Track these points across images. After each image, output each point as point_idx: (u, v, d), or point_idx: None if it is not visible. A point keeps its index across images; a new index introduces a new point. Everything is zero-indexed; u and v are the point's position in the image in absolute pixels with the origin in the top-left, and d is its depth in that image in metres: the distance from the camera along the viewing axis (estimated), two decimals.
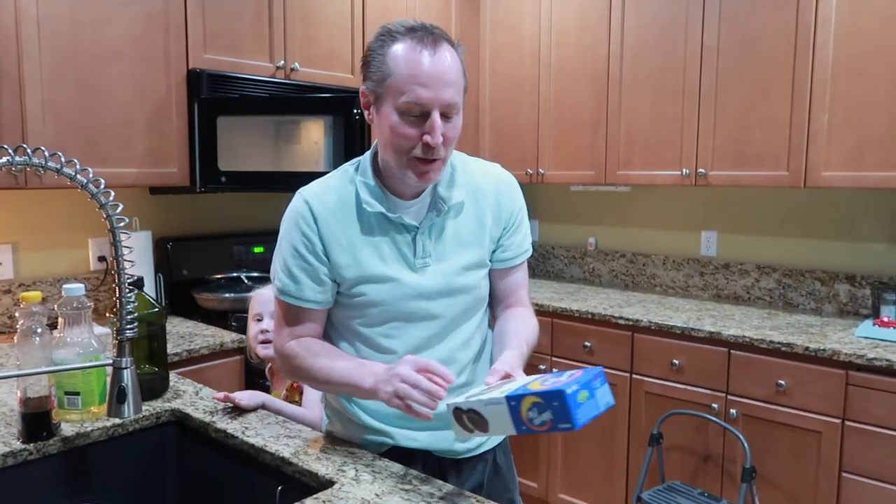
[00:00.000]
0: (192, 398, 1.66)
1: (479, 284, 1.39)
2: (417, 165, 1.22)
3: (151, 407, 1.59)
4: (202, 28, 2.42)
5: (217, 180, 2.43)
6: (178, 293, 2.67)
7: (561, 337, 2.90)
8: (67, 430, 1.44)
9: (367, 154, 1.35)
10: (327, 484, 1.23)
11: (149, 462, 1.57)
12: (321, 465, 1.29)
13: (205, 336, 2.31)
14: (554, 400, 0.96)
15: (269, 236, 3.04)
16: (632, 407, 2.71)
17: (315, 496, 1.17)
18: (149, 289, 2.52)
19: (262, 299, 1.92)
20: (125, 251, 1.28)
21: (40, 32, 2.06)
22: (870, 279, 2.68)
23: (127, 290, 1.32)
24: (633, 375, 2.70)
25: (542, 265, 3.76)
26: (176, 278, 2.67)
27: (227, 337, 2.31)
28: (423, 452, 1.37)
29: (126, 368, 1.27)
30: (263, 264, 2.81)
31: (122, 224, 1.31)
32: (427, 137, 1.18)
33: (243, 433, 1.44)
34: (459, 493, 1.18)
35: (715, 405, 2.47)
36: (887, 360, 2.09)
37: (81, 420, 1.49)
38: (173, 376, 1.84)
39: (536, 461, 3.02)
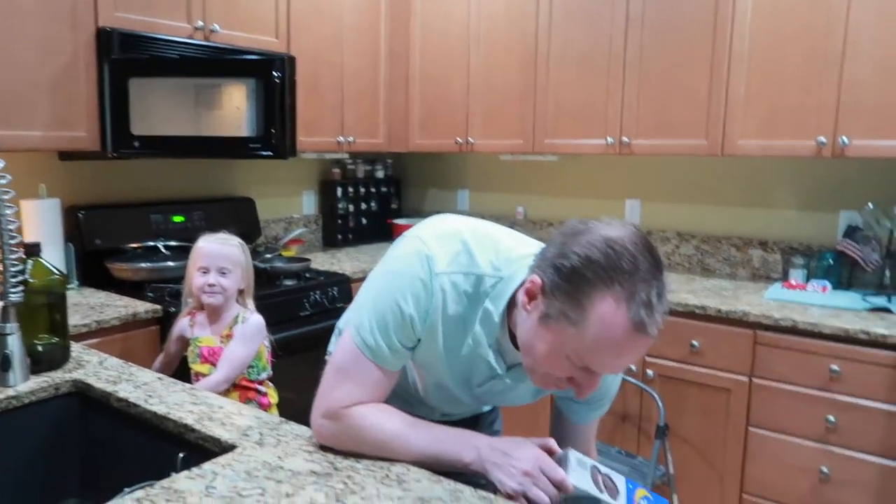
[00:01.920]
0: (96, 368, 1.60)
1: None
2: (543, 382, 1.06)
3: (51, 378, 1.53)
4: None
5: (129, 145, 2.33)
6: (91, 263, 2.57)
7: None
8: None
9: (515, 276, 1.08)
10: (229, 449, 1.22)
11: (49, 434, 1.51)
12: (224, 431, 1.27)
13: (117, 307, 2.23)
14: (659, 502, 1.10)
15: (190, 205, 2.99)
16: None
17: (214, 460, 1.15)
18: (57, 258, 2.41)
19: (209, 253, 1.99)
20: (7, 210, 1.21)
21: None
22: (780, 244, 2.80)
23: (11, 254, 1.25)
24: None
25: None
26: (88, 248, 2.56)
27: (142, 307, 2.24)
28: None
29: (10, 335, 1.21)
30: (183, 233, 2.73)
31: (3, 182, 1.23)
32: (579, 391, 1.02)
33: (146, 401, 1.40)
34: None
35: (633, 366, 2.55)
36: (792, 321, 2.19)
37: None
38: (78, 347, 1.78)
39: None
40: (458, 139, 3.31)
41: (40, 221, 2.35)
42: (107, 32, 2.26)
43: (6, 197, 1.19)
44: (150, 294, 2.40)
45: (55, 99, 2.21)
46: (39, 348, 1.56)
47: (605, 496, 1.05)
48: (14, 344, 1.21)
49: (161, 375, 1.56)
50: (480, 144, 3.25)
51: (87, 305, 2.25)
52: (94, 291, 2.46)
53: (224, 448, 1.23)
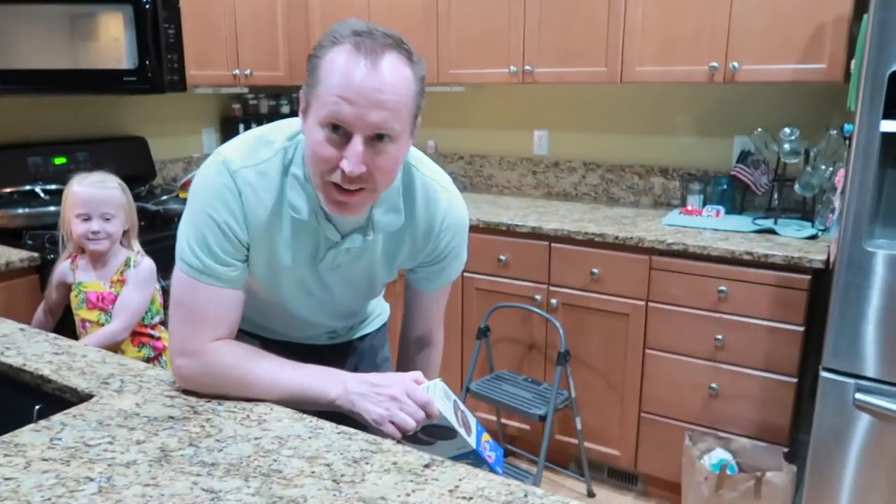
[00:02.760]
0: None
1: (380, 289, 1.34)
2: (332, 192, 1.01)
3: None
4: None
5: None
6: None
7: None
8: None
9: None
10: (87, 398, 1.16)
11: None
12: (83, 380, 1.20)
13: None
14: (497, 449, 1.14)
15: (72, 146, 2.79)
16: (464, 304, 2.79)
17: (67, 411, 1.09)
18: None
19: (89, 199, 1.87)
20: None
21: None
22: (680, 171, 2.85)
23: None
24: (465, 274, 2.75)
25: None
26: None
27: (16, 255, 2.09)
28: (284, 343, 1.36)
29: None
30: (64, 176, 2.52)
31: None
32: (343, 163, 0.96)
33: (3, 353, 1.32)
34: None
35: (538, 297, 2.58)
36: (683, 245, 2.25)
37: None
38: None
39: None
40: None
41: None
42: None
43: None
44: (29, 242, 2.25)
45: None
46: None
47: (461, 430, 1.07)
48: None
49: (24, 326, 1.47)
50: None
51: None
52: None
53: (82, 398, 1.17)
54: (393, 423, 1.03)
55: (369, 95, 0.95)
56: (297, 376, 1.10)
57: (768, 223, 2.41)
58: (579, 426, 2.50)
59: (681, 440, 2.34)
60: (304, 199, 1.09)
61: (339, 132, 0.97)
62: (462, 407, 1.12)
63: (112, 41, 2.50)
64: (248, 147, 1.10)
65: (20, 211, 2.34)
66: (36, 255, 2.12)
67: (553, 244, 2.53)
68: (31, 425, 1.04)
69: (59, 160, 2.64)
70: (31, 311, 2.07)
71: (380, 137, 0.98)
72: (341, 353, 1.43)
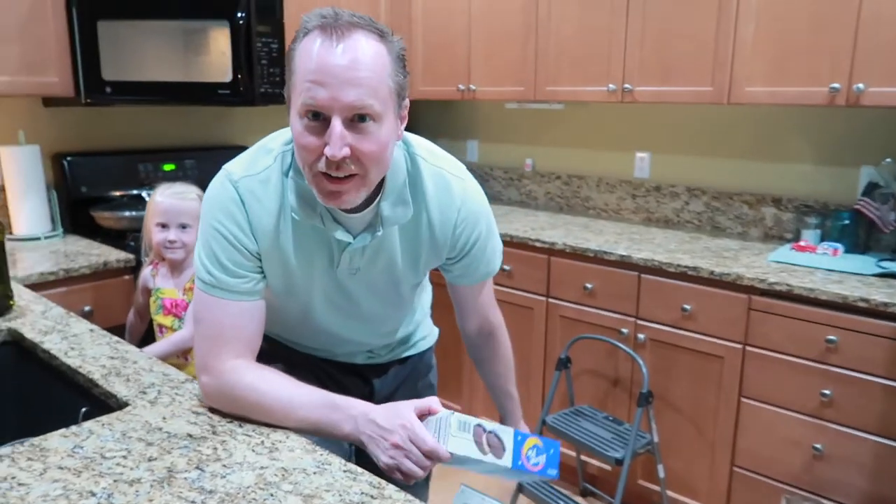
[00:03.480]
0: (36, 318, 1.59)
1: (409, 294, 1.27)
2: (323, 182, 0.98)
3: None
4: None
5: (101, 90, 2.29)
6: (78, 212, 2.57)
7: None
8: None
9: None
10: (123, 406, 1.18)
11: None
12: (125, 388, 1.22)
13: (89, 255, 2.23)
14: (550, 447, 1.06)
15: (181, 153, 2.95)
16: (548, 331, 2.66)
17: (99, 418, 1.11)
18: (39, 206, 2.42)
19: (168, 209, 1.95)
20: None
21: None
22: (795, 202, 2.58)
23: None
24: (549, 299, 2.63)
25: (480, 186, 3.63)
26: (74, 196, 2.56)
27: (114, 256, 2.22)
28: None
29: None
30: (167, 180, 2.70)
31: None
32: (326, 148, 0.94)
33: (66, 354, 1.38)
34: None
35: (625, 330, 2.42)
36: (788, 285, 2.02)
37: None
38: (31, 295, 1.77)
39: (459, 383, 3.01)
40: (461, 86, 3.15)
41: (19, 168, 2.35)
42: None
43: None
44: (131, 243, 2.39)
45: (23, 43, 2.18)
46: None
47: (487, 457, 1.00)
48: None
49: (94, 327, 1.54)
50: (482, 92, 3.09)
51: (62, 253, 2.26)
52: (78, 239, 2.47)
53: (120, 405, 1.19)
54: (401, 471, 0.96)
55: (340, 74, 0.92)
56: (310, 410, 1.05)
57: (893, 266, 2.11)
58: (662, 474, 2.30)
59: (776, 502, 2.09)
60: (306, 202, 1.06)
61: (319, 119, 0.95)
62: (490, 427, 1.03)
63: (220, 55, 2.62)
64: (249, 157, 1.10)
65: (125, 214, 2.50)
66: (132, 256, 2.24)
67: (643, 275, 2.36)
68: (62, 430, 1.07)
69: (168, 167, 2.80)
70: (123, 309, 2.19)
71: (361, 119, 0.95)
72: (380, 372, 1.38)
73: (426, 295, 1.43)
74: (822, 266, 2.17)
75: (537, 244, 2.61)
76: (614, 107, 3.03)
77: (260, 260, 1.11)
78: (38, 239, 2.41)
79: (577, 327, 2.56)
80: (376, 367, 1.37)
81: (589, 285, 2.49)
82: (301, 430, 1.06)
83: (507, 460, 1.02)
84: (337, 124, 0.93)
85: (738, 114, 2.69)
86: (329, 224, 1.08)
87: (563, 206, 3.31)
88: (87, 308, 2.13)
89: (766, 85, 2.25)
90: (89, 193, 2.59)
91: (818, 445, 2.03)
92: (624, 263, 2.40)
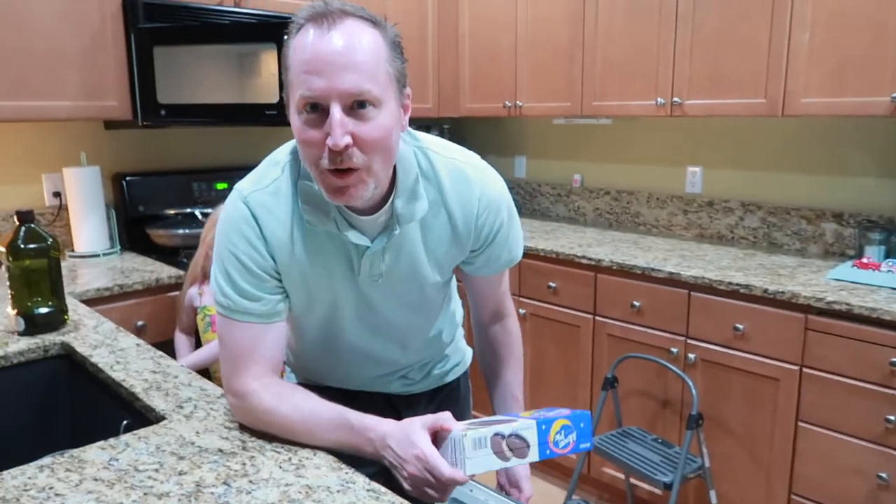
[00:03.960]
0: (87, 332, 1.65)
1: (431, 298, 1.22)
2: (329, 178, 0.95)
3: (43, 340, 1.59)
4: None
5: (156, 113, 2.38)
6: (135, 230, 2.67)
7: (527, 277, 2.80)
8: None
9: None
10: (160, 419, 1.20)
11: (41, 393, 1.58)
12: (163, 401, 1.25)
13: (143, 272, 2.31)
14: (580, 420, 1.01)
15: (233, 172, 3.03)
16: (594, 350, 2.61)
17: (135, 432, 1.14)
18: (99, 224, 2.52)
19: None
20: None
21: None
22: (857, 217, 2.46)
23: None
24: (596, 317, 2.58)
25: (528, 203, 3.62)
26: (132, 214, 2.66)
27: (165, 272, 2.30)
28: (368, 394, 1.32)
29: None
30: (224, 200, 2.78)
31: None
32: (328, 140, 0.91)
33: (112, 367, 1.42)
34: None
35: (674, 349, 2.34)
36: (847, 304, 1.92)
37: None
38: (85, 310, 1.84)
39: None
40: (507, 102, 3.15)
41: (81, 188, 2.46)
42: (132, 2, 2.30)
43: None
44: (184, 260, 2.46)
45: (84, 69, 2.28)
46: (35, 312, 1.63)
47: (510, 462, 0.96)
48: None
49: (140, 342, 1.58)
50: (529, 108, 3.08)
51: (118, 270, 2.34)
52: (134, 256, 2.56)
53: (157, 419, 1.22)
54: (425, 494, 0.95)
55: (334, 61, 0.90)
56: (329, 432, 1.04)
57: None
58: (714, 500, 2.21)
59: None
60: (318, 207, 1.04)
61: (318, 110, 0.92)
62: (509, 431, 0.96)
63: (269, 76, 2.69)
64: (258, 172, 1.10)
65: (179, 231, 2.58)
66: (183, 273, 2.31)
67: (692, 293, 2.28)
68: (101, 442, 1.10)
69: (221, 185, 2.88)
70: (173, 324, 2.25)
71: (361, 105, 0.92)
72: (412, 404, 1.35)
73: (455, 306, 1.38)
74: (886, 284, 2.06)
75: (583, 261, 2.57)
76: (664, 120, 2.97)
77: (279, 277, 1.09)
78: (98, 256, 2.52)
79: (624, 346, 2.49)
80: (409, 399, 1.35)
81: (637, 303, 2.43)
82: (331, 449, 1.06)
83: (533, 455, 0.97)
84: (336, 111, 0.91)
85: (795, 125, 2.59)
86: (345, 229, 1.05)
87: (612, 223, 3.25)
88: (139, 322, 2.20)
89: (824, 96, 2.16)
90: (145, 212, 2.68)
91: (883, 474, 1.91)
92: (673, 281, 2.33)
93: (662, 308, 2.37)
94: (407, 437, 0.96)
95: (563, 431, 0.99)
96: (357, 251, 1.09)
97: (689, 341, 2.32)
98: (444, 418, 0.98)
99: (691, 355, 2.30)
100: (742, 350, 2.18)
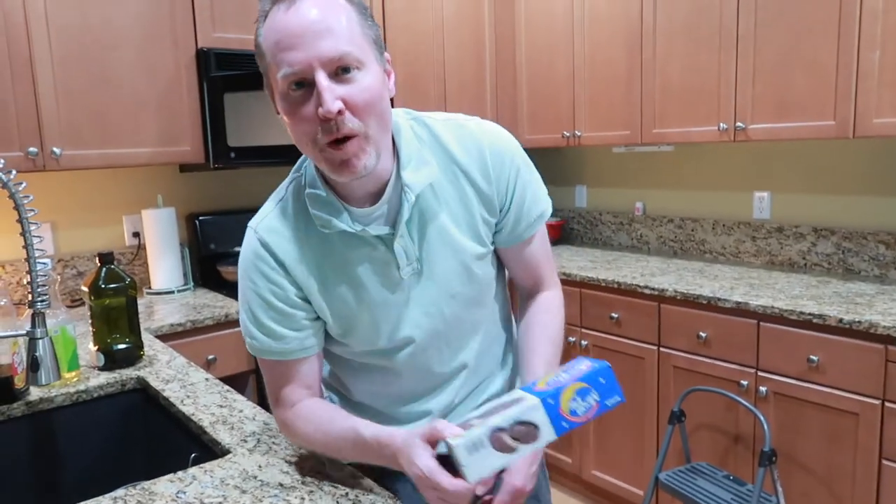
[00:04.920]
0: (161, 367, 1.73)
1: (482, 276, 1.14)
2: (331, 154, 0.93)
3: (120, 375, 1.68)
4: (210, 8, 2.48)
5: (226, 156, 2.50)
6: (207, 267, 2.80)
7: (589, 307, 2.76)
8: (36, 394, 1.55)
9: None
10: (226, 453, 1.25)
11: (118, 425, 1.66)
12: (229, 435, 1.30)
13: (213, 307, 2.41)
14: (599, 376, 0.88)
15: None
16: (660, 382, 2.54)
17: (202, 465, 1.19)
18: (174, 262, 2.65)
19: None
20: (32, 227, 1.33)
21: (48, 24, 2.19)
22: None
23: (38, 266, 1.38)
24: (661, 348, 2.52)
25: (589, 232, 3.58)
26: (204, 252, 2.79)
27: (234, 308, 2.39)
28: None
29: (40, 339, 1.33)
30: None
31: (28, 205, 1.35)
32: (319, 110, 0.89)
33: (182, 402, 1.49)
34: (342, 470, 1.14)
35: (744, 382, 2.26)
36: None
37: (51, 386, 1.60)
38: (159, 346, 1.94)
39: (570, 436, 2.92)
40: (566, 132, 3.15)
41: (158, 228, 2.60)
42: (204, 52, 2.44)
43: (30, 215, 1.31)
44: None
45: (161, 117, 2.43)
46: (114, 348, 1.72)
47: (520, 452, 0.86)
48: (43, 347, 1.34)
49: (209, 376, 1.65)
50: (588, 137, 3.07)
51: (191, 306, 2.45)
52: (206, 293, 2.68)
53: (223, 452, 1.26)
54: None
55: (307, 29, 0.90)
56: (354, 454, 1.05)
57: None
58: None
59: None
60: (331, 211, 1.02)
61: (304, 87, 0.91)
62: (509, 420, 0.85)
63: None
64: (266, 202, 1.11)
65: None
66: None
67: (762, 323, 2.20)
68: (170, 475, 1.15)
69: None
70: (241, 358, 2.33)
71: (345, 70, 0.91)
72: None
73: (509, 324, 1.29)
74: None
75: (646, 290, 2.52)
76: (728, 145, 2.91)
77: (305, 306, 1.07)
78: (172, 292, 2.64)
79: (691, 378, 2.42)
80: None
81: (703, 334, 2.36)
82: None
83: (548, 435, 0.86)
84: (322, 78, 0.89)
85: (868, 146, 2.49)
86: (359, 224, 1.03)
87: (676, 251, 3.18)
88: (210, 356, 2.29)
89: None
90: (217, 250, 2.81)
91: None
92: (740, 310, 2.25)
93: (730, 339, 2.30)
94: (408, 456, 0.91)
95: (577, 397, 0.87)
96: (385, 245, 1.06)
97: (759, 373, 2.23)
98: (440, 428, 0.89)
99: (762, 388, 2.21)
100: (817, 383, 2.08)
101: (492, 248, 1.16)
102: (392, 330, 1.11)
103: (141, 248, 2.74)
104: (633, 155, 3.32)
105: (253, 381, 2.42)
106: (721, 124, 2.53)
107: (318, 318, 1.10)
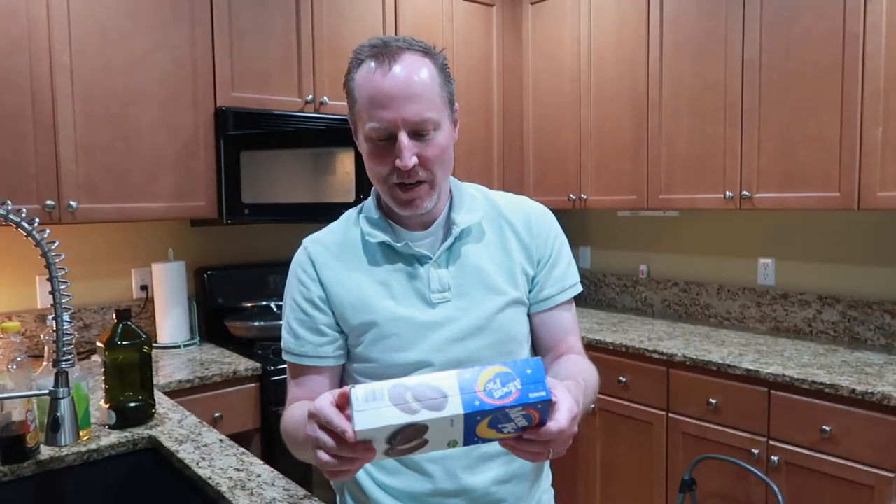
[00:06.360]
0: (173, 426, 1.71)
1: (513, 322, 1.18)
2: (398, 193, 1.09)
3: (132, 433, 1.65)
4: (230, 69, 2.54)
5: (240, 212, 2.52)
6: (214, 321, 2.78)
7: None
8: (46, 453, 1.52)
9: (372, 191, 1.21)
10: None
11: (127, 485, 1.62)
12: (248, 501, 1.28)
13: (221, 364, 2.39)
14: (526, 367, 0.82)
15: None
16: (669, 448, 2.52)
17: None
18: (182, 316, 2.64)
19: None
20: (61, 286, 1.33)
21: (73, 80, 2.24)
22: None
23: (65, 325, 1.38)
24: (670, 414, 2.51)
25: (593, 294, 3.60)
26: (211, 307, 2.78)
27: (243, 365, 2.37)
28: None
29: (62, 398, 1.32)
30: None
31: (57, 259, 1.36)
32: (397, 161, 1.05)
33: (197, 464, 1.46)
34: None
35: (756, 450, 2.24)
36: None
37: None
38: (169, 403, 1.91)
39: (575, 501, 2.87)
40: (572, 195, 3.20)
41: (167, 282, 2.60)
42: (223, 111, 2.49)
43: (60, 274, 1.31)
44: (259, 352, 2.54)
45: (177, 173, 2.46)
46: (126, 405, 1.70)
47: (419, 416, 0.79)
48: (65, 407, 1.33)
49: (223, 437, 1.62)
50: (594, 200, 3.12)
51: (198, 361, 2.43)
52: (212, 348, 2.66)
53: None
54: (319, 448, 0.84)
55: (398, 94, 1.04)
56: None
57: None
58: None
59: None
60: (379, 230, 1.15)
61: (384, 137, 1.06)
62: (415, 382, 0.80)
63: (344, 175, 2.84)
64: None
65: (255, 323, 2.67)
66: (258, 365, 2.38)
67: (773, 391, 2.20)
68: None
69: None
70: (249, 416, 2.30)
71: (423, 129, 1.06)
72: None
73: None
74: None
75: (654, 355, 2.52)
76: (733, 212, 2.96)
77: (328, 308, 1.16)
78: (178, 347, 2.62)
79: (701, 446, 2.40)
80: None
81: (713, 400, 2.36)
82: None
83: (455, 406, 0.79)
84: (404, 138, 1.05)
85: (872, 218, 2.54)
86: (412, 248, 1.14)
87: (681, 314, 3.19)
88: (216, 414, 2.26)
89: None
90: (224, 304, 2.80)
91: None
92: (751, 378, 2.26)
93: (741, 406, 2.29)
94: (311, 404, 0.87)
95: (497, 379, 0.81)
96: (422, 266, 1.15)
97: (770, 442, 2.22)
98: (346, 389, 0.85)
99: (774, 458, 2.20)
100: (831, 454, 2.07)
101: (527, 302, 1.21)
102: (411, 344, 1.13)
103: (148, 301, 2.73)
104: (638, 219, 3.37)
105: (258, 439, 2.38)
106: (727, 192, 2.59)
107: (340, 330, 1.17)
